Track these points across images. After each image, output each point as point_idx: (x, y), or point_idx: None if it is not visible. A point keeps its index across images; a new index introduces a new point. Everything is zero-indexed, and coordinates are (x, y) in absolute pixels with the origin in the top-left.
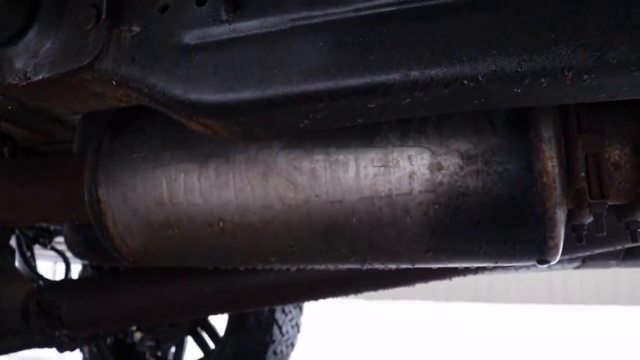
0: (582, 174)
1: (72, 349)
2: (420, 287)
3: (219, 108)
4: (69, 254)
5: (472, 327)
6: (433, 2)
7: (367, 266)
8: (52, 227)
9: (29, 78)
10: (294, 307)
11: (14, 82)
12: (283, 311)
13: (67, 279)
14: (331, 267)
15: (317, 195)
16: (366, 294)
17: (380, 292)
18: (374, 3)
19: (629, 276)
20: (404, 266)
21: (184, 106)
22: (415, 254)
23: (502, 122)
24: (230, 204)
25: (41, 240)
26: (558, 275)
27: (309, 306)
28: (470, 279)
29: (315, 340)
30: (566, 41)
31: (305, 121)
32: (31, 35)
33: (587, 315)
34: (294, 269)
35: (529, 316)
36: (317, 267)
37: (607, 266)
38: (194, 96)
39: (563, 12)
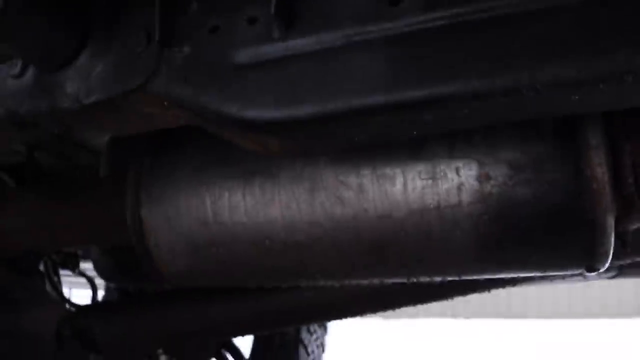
0: (630, 179)
1: None
2: (438, 304)
3: (276, 124)
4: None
5: (492, 344)
6: (487, 14)
7: (412, 279)
8: (79, 252)
9: (81, 101)
10: (319, 326)
11: (66, 105)
12: (308, 330)
13: (99, 302)
14: (376, 281)
15: (365, 210)
16: (384, 313)
17: (398, 311)
18: (427, 17)
19: None
20: (450, 278)
21: (240, 124)
22: (463, 265)
23: (549, 130)
24: (276, 221)
25: (69, 264)
26: (578, 289)
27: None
28: (488, 295)
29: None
30: (624, 46)
31: (362, 135)
32: (83, 58)
33: (614, 329)
34: (337, 285)
35: (551, 332)
36: (361, 282)
37: None
38: (250, 113)
39: (620, 17)
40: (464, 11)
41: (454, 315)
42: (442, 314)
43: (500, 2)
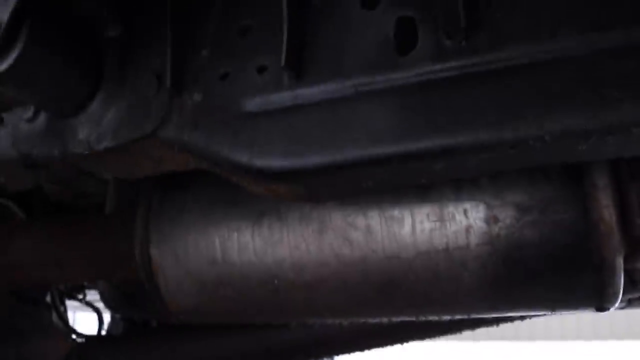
0: (638, 219)
1: None
2: None
3: (286, 173)
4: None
5: None
6: (495, 65)
7: (421, 318)
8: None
9: (92, 147)
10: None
11: (77, 151)
12: None
13: (107, 334)
14: (384, 319)
15: (373, 251)
16: None
17: None
18: (436, 67)
19: None
20: (458, 317)
21: (250, 172)
22: (472, 305)
23: (555, 173)
24: (285, 261)
25: (75, 294)
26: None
27: None
28: None
29: None
30: (630, 98)
31: (370, 183)
32: (95, 105)
33: (622, 351)
34: (345, 322)
35: (559, 354)
36: (369, 319)
37: None
38: (260, 162)
39: (625, 70)
40: (471, 62)
41: (461, 337)
42: (449, 337)
43: (508, 53)
